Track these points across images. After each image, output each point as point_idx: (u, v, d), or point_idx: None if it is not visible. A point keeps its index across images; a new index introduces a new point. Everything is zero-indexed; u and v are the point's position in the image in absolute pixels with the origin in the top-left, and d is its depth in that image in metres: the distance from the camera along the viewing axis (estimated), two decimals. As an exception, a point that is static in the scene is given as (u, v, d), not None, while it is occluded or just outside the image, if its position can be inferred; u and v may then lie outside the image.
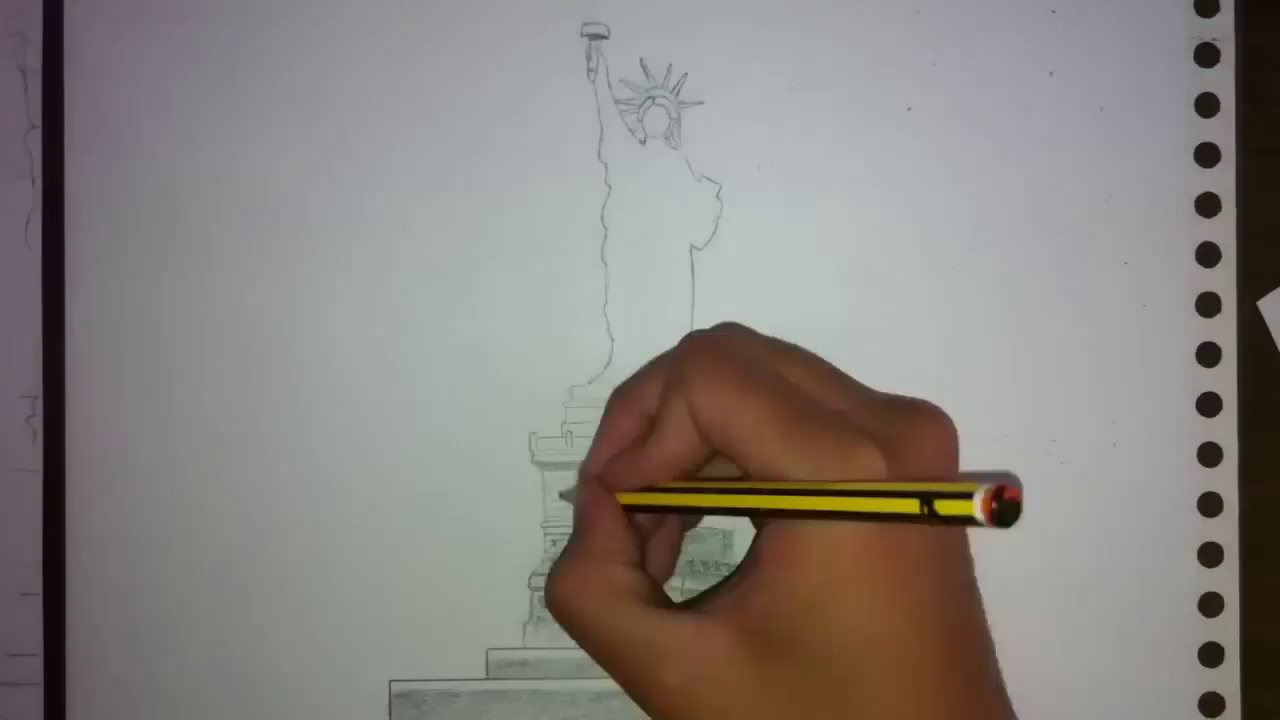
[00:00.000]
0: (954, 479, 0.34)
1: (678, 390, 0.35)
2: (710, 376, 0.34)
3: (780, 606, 0.32)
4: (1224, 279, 0.43)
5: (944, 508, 0.28)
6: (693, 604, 0.36)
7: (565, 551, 0.38)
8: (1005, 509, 0.28)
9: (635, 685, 0.34)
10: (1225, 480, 0.43)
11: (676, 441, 0.35)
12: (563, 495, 0.42)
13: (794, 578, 0.32)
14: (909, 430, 0.33)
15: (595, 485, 0.38)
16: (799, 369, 0.36)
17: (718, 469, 0.37)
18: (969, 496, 0.28)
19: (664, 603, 0.36)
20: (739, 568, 0.36)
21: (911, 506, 0.29)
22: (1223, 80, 0.43)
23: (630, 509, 0.38)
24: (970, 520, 0.28)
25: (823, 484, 0.31)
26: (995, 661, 0.35)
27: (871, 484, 0.31)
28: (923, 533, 0.32)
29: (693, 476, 0.37)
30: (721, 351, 0.35)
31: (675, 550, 0.40)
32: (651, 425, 0.36)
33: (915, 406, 0.35)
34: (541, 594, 0.43)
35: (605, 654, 0.35)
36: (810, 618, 0.32)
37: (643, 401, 0.37)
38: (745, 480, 0.34)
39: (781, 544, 0.32)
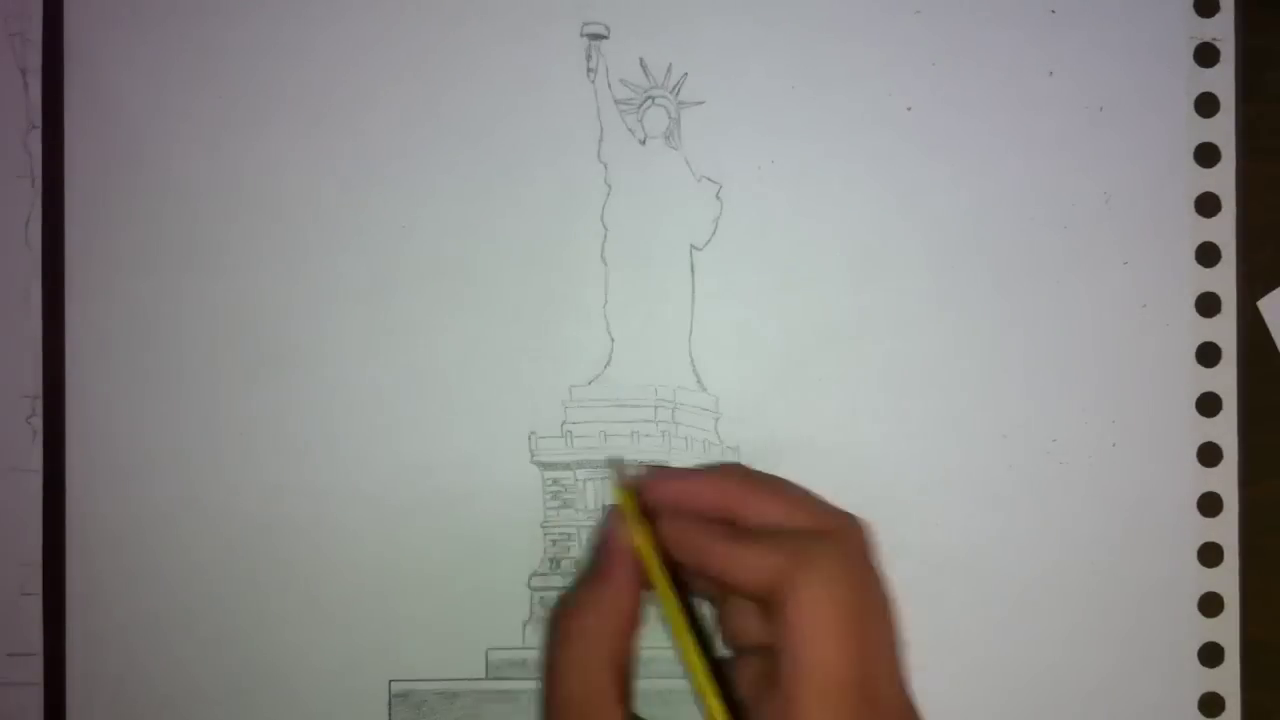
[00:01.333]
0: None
1: (791, 552, 0.34)
2: (832, 580, 0.33)
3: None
4: (1224, 279, 0.43)
5: None
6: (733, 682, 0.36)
7: (585, 584, 0.36)
8: None
9: None
10: (1225, 480, 0.43)
11: (750, 573, 0.34)
12: (610, 463, 0.41)
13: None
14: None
15: (638, 531, 0.37)
16: (885, 627, 0.35)
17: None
18: None
19: (629, 697, 0.36)
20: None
21: None
22: (1223, 80, 0.43)
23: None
24: None
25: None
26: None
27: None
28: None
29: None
30: (851, 566, 0.35)
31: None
32: (722, 515, 0.36)
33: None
34: (542, 594, 0.43)
35: (548, 708, 0.35)
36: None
37: (749, 500, 0.36)
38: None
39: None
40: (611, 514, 0.37)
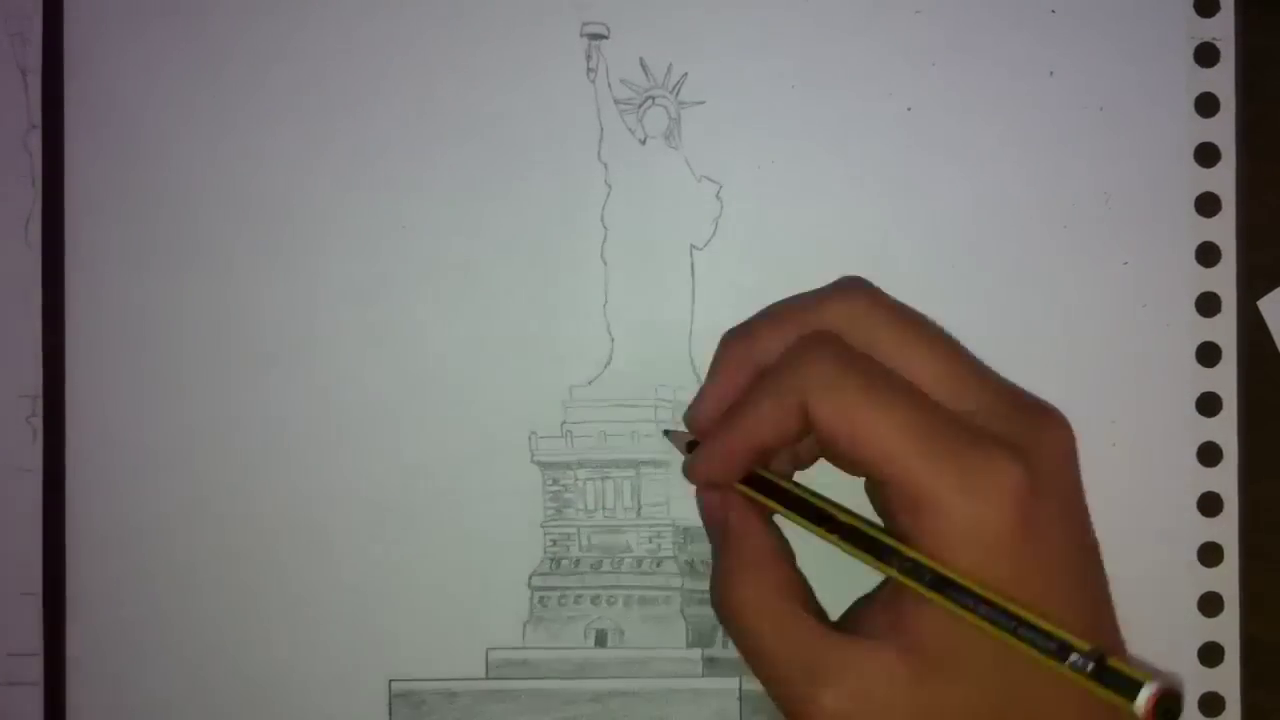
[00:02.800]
0: (1076, 482, 0.34)
1: (791, 383, 0.33)
2: (836, 385, 0.32)
3: (941, 624, 0.31)
4: (1224, 279, 0.43)
5: (1107, 681, 0.30)
6: (845, 620, 0.35)
7: (723, 558, 0.36)
8: (1169, 711, 0.29)
9: (792, 703, 0.33)
10: (1225, 480, 0.43)
11: (771, 430, 0.34)
12: (669, 435, 0.40)
13: None
14: (1039, 436, 0.33)
15: (729, 487, 0.36)
16: (927, 356, 0.34)
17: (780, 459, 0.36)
18: (1138, 685, 0.29)
19: (822, 614, 0.35)
20: (884, 582, 0.35)
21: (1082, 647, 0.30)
22: (1223, 80, 0.43)
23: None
24: (1127, 701, 0.29)
25: (993, 595, 0.31)
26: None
27: (1046, 623, 0.31)
28: (1066, 536, 0.32)
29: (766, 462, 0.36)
30: (846, 355, 0.34)
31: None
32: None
33: (1042, 409, 0.34)
34: (541, 594, 0.43)
35: (767, 669, 0.34)
36: (971, 636, 0.31)
37: (758, 355, 0.35)
38: (873, 488, 0.33)
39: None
40: (700, 492, 0.37)
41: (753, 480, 0.36)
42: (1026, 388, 0.43)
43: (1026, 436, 0.32)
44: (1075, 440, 0.34)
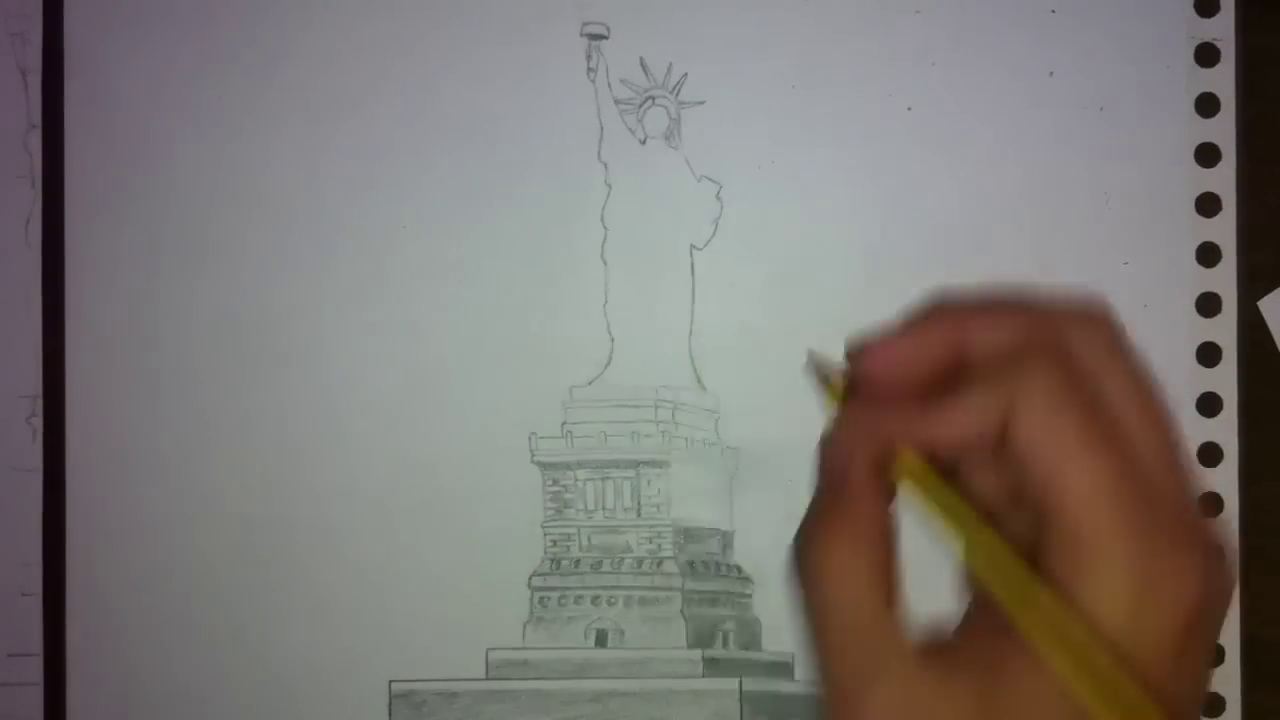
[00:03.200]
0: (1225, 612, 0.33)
1: (1007, 388, 0.31)
2: (1057, 409, 0.30)
3: (1035, 684, 0.30)
4: (1224, 279, 0.43)
5: None
6: (923, 634, 0.33)
7: (832, 513, 0.31)
8: None
9: (841, 680, 0.31)
10: (1225, 480, 0.43)
11: (965, 431, 0.31)
12: (812, 357, 0.35)
13: None
14: (1214, 567, 0.31)
15: (878, 437, 0.33)
16: (1149, 424, 0.32)
17: None
18: None
19: (900, 611, 0.33)
20: (968, 616, 0.33)
21: None
22: (1223, 80, 0.43)
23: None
24: None
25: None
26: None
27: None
28: (1203, 661, 0.31)
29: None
30: (1075, 381, 0.31)
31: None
32: (952, 362, 0.32)
33: (1215, 545, 0.32)
34: (541, 594, 0.43)
35: (831, 638, 0.32)
36: (1055, 706, 0.30)
37: (970, 337, 0.31)
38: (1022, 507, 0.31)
39: None
40: (831, 431, 0.33)
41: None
42: (1026, 388, 0.43)
43: (1211, 564, 0.31)
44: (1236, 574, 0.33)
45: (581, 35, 0.43)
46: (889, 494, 0.33)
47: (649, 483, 0.43)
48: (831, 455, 0.33)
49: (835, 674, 0.31)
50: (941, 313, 0.33)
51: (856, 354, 0.33)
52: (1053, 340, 0.31)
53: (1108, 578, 0.30)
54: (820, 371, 0.33)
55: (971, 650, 0.31)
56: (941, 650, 0.31)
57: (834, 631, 0.32)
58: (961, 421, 0.31)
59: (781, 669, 0.43)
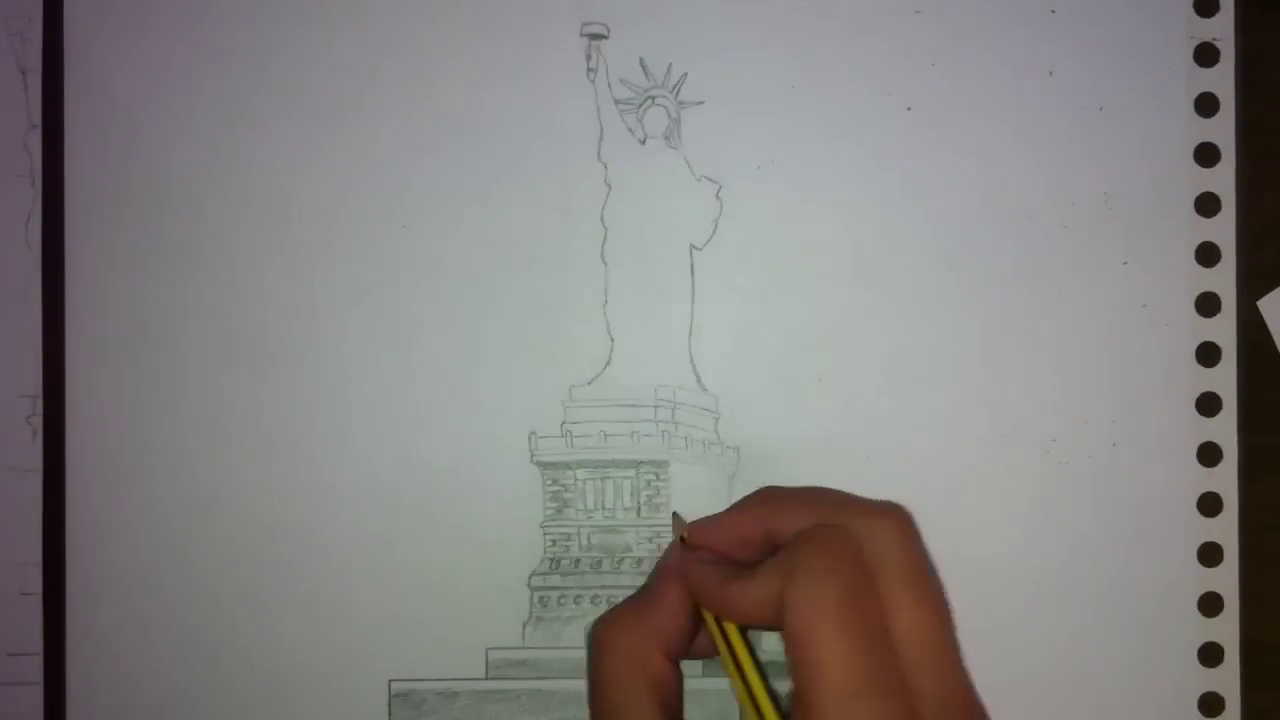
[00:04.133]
0: None
1: (785, 567, 0.33)
2: (816, 584, 0.33)
3: None
4: (1224, 279, 0.43)
5: None
6: None
7: (634, 600, 0.36)
8: None
9: None
10: (1225, 480, 0.43)
11: (749, 607, 0.34)
12: (676, 517, 0.40)
13: None
14: None
15: (693, 560, 0.36)
16: (913, 610, 0.34)
17: None
18: None
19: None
20: None
21: None
22: (1223, 80, 0.43)
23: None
24: None
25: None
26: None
27: None
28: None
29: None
30: (844, 563, 0.34)
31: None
32: (762, 544, 0.35)
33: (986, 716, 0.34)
34: (541, 594, 0.43)
35: (595, 709, 0.35)
36: None
37: (779, 523, 0.35)
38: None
39: None
40: (675, 544, 0.37)
41: None
42: (1027, 387, 0.43)
43: None
44: None
45: (581, 35, 0.43)
46: (690, 613, 0.36)
47: (649, 483, 0.43)
48: (659, 569, 0.36)
49: None
50: (764, 501, 0.36)
51: (697, 532, 0.36)
52: (838, 527, 0.34)
53: None
54: (676, 523, 0.37)
55: None
56: None
57: (603, 703, 0.34)
58: (750, 598, 0.34)
59: (780, 669, 0.43)
